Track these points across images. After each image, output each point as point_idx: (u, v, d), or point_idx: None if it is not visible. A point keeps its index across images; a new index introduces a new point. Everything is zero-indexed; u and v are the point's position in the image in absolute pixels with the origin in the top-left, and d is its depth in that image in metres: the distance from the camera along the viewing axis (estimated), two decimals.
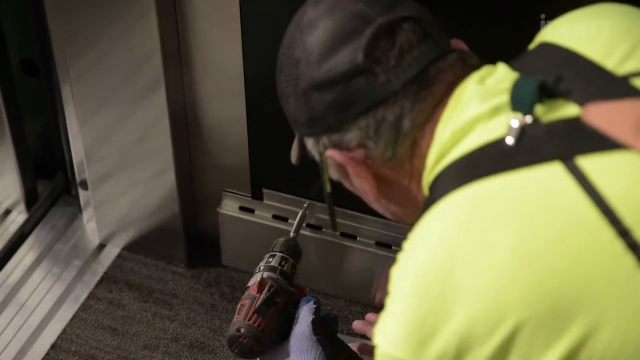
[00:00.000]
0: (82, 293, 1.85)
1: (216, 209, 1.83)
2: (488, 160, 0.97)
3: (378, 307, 1.74)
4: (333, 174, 1.14)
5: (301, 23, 1.09)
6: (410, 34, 1.05)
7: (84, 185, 1.89)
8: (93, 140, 1.78)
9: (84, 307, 1.82)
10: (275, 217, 1.80)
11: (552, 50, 1.06)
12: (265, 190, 1.77)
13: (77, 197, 1.98)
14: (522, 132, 0.97)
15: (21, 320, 1.80)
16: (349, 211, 1.73)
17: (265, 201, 1.79)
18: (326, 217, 1.75)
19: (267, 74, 1.60)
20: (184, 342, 1.76)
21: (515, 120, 0.97)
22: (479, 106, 1.00)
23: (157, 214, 1.85)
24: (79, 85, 1.71)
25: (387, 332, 0.97)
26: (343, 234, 1.77)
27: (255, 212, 1.81)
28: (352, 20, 1.05)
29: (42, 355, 1.74)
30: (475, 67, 1.07)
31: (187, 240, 1.89)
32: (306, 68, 1.06)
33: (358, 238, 1.76)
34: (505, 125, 0.98)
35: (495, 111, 1.00)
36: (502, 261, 0.91)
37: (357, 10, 1.05)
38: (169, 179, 1.78)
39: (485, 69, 1.06)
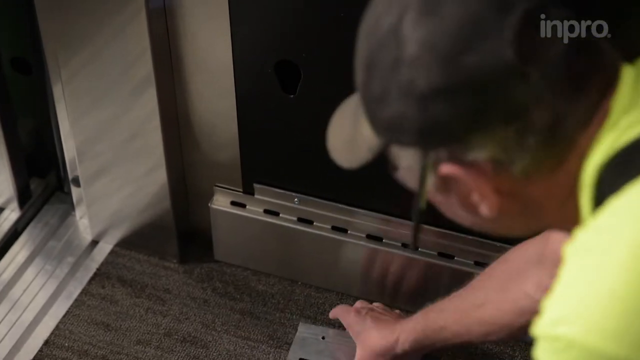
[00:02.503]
0: (75, 289, 1.86)
1: (208, 205, 1.84)
2: None
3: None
4: (432, 185, 0.96)
5: (407, 6, 0.90)
6: (554, 18, 0.89)
7: (77, 182, 1.90)
8: (85, 138, 1.79)
9: (77, 303, 1.83)
10: (266, 211, 1.81)
11: None
12: (256, 185, 1.79)
13: (69, 194, 1.98)
14: None
15: (14, 317, 1.81)
16: (339, 204, 1.74)
17: (256, 196, 1.80)
18: (318, 210, 1.77)
19: (256, 70, 1.63)
20: (176, 337, 1.77)
21: None
22: None
23: (149, 210, 1.86)
24: (70, 84, 1.72)
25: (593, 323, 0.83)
26: (334, 228, 1.78)
27: (247, 207, 1.82)
28: (489, 7, 0.88)
29: (35, 352, 1.74)
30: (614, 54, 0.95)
31: (179, 235, 1.90)
32: (429, 68, 0.88)
33: (349, 231, 1.78)
34: None
35: None
36: None
37: None
38: (161, 175, 1.79)
39: None
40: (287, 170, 1.75)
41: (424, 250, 1.72)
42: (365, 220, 1.75)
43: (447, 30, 0.87)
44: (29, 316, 1.82)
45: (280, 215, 1.80)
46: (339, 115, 1.07)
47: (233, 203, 1.83)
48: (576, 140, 0.91)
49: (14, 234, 1.99)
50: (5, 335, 1.78)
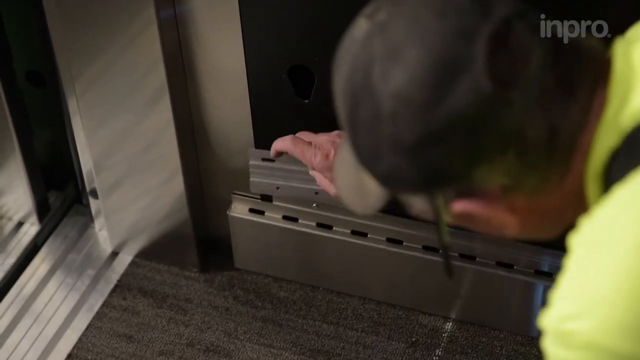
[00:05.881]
0: (96, 302, 1.86)
1: (226, 212, 1.83)
2: None
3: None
4: (450, 219, 0.94)
5: (371, 59, 0.88)
6: (522, 32, 0.86)
7: (95, 194, 1.90)
8: (101, 150, 1.79)
9: (99, 315, 1.83)
10: (285, 217, 1.80)
11: None
12: None
13: (88, 206, 1.98)
14: None
15: (37, 332, 1.81)
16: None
17: (274, 202, 1.79)
18: (337, 215, 1.75)
19: (269, 76, 1.62)
20: (199, 347, 1.76)
21: None
22: None
23: (167, 219, 1.86)
24: (84, 97, 1.72)
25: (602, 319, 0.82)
26: (354, 232, 1.77)
27: (265, 213, 1.82)
28: (451, 41, 0.85)
29: None
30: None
31: (198, 244, 1.89)
32: (409, 121, 0.85)
33: (369, 235, 1.76)
34: None
35: None
36: None
37: (450, 26, 0.85)
38: (178, 184, 1.78)
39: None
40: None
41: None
42: (385, 224, 1.73)
43: (416, 77, 0.84)
44: (51, 330, 1.82)
45: (300, 221, 1.79)
46: (341, 162, 1.05)
47: (251, 210, 1.82)
48: (577, 141, 0.89)
49: (34, 248, 1.99)
50: (29, 349, 1.78)
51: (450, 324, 1.78)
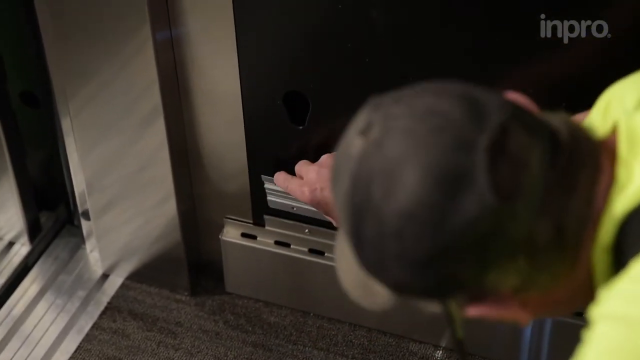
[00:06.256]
0: (86, 324, 1.85)
1: (218, 236, 1.83)
2: None
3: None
4: (462, 318, 0.94)
5: (371, 177, 0.86)
6: (519, 134, 0.85)
7: (86, 215, 1.89)
8: (94, 170, 1.79)
9: (88, 337, 1.82)
10: (277, 243, 1.80)
11: None
12: (266, 217, 1.77)
13: (80, 227, 1.98)
14: None
15: (26, 353, 1.80)
16: None
17: (267, 227, 1.79)
18: (329, 241, 1.75)
19: (265, 101, 1.62)
20: None
21: None
22: None
23: (159, 242, 1.85)
24: (78, 117, 1.72)
25: None
26: None
27: (258, 238, 1.81)
28: (450, 156, 0.83)
29: None
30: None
31: (190, 268, 1.88)
32: (415, 237, 0.84)
33: None
34: None
35: None
36: None
37: (446, 141, 0.84)
38: (171, 207, 1.78)
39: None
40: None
41: None
42: None
43: (418, 195, 0.83)
44: (40, 352, 1.81)
45: (291, 246, 1.79)
46: (342, 257, 1.00)
47: (244, 235, 1.82)
48: (584, 233, 0.88)
49: (24, 269, 1.98)
50: None
51: (440, 352, 1.77)
